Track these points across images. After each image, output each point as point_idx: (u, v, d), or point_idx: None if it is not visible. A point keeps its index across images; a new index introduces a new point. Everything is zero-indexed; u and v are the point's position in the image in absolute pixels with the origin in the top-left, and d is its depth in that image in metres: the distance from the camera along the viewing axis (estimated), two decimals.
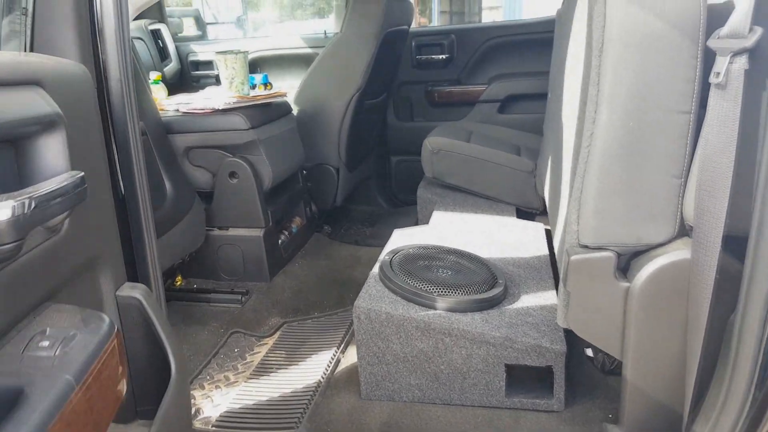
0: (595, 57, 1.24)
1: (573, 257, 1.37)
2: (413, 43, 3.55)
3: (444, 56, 3.51)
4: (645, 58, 1.19)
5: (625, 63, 1.20)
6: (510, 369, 1.75)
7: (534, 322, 1.78)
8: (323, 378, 2.02)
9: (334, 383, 1.98)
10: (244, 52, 2.57)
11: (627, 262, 1.39)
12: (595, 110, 1.27)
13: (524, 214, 2.78)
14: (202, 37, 4.25)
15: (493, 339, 1.71)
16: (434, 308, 1.80)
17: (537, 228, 2.49)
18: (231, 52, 2.56)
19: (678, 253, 1.28)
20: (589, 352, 1.91)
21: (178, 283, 2.72)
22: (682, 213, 1.31)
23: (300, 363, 2.13)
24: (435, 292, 1.82)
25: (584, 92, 1.35)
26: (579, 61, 1.44)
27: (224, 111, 2.47)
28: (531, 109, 3.38)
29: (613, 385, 1.81)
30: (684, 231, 1.34)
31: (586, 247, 1.38)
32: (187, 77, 3.98)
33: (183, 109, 2.54)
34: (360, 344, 1.82)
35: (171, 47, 3.90)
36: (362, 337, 1.81)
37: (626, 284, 1.35)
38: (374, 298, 1.84)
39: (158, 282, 1.41)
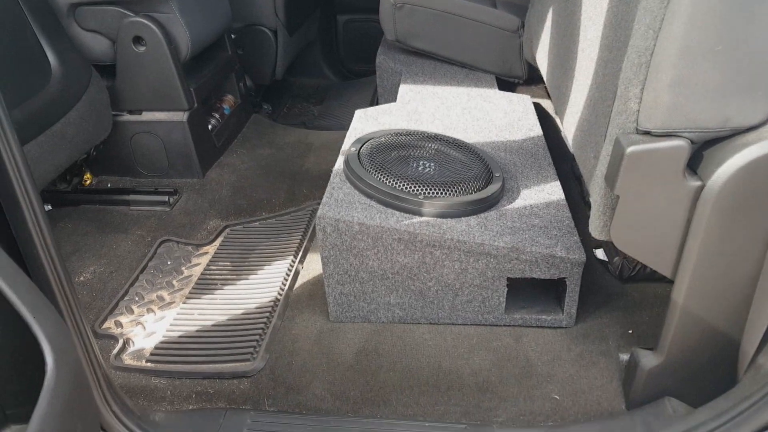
0: None
1: (630, 148, 0.98)
2: None
3: None
4: None
5: None
6: (512, 282, 1.43)
7: (542, 225, 1.44)
8: (280, 295, 1.67)
9: (294, 301, 1.64)
10: None
11: (697, 153, 1.02)
12: None
13: (505, 84, 2.34)
14: None
15: (496, 250, 1.37)
16: (420, 214, 1.41)
17: (524, 101, 2.08)
18: None
19: None
20: (601, 254, 1.62)
21: (87, 182, 2.21)
22: None
23: (250, 276, 1.76)
24: (420, 193, 1.42)
25: None
26: None
27: None
28: None
29: (632, 294, 1.53)
30: None
31: (647, 133, 1.00)
32: None
33: None
34: (327, 261, 1.45)
35: None
36: (329, 252, 1.43)
37: (697, 183, 1.00)
38: (342, 203, 1.43)
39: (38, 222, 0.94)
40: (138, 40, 2.00)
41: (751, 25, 0.88)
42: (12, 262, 0.70)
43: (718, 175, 0.96)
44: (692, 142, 0.98)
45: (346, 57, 3.27)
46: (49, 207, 2.09)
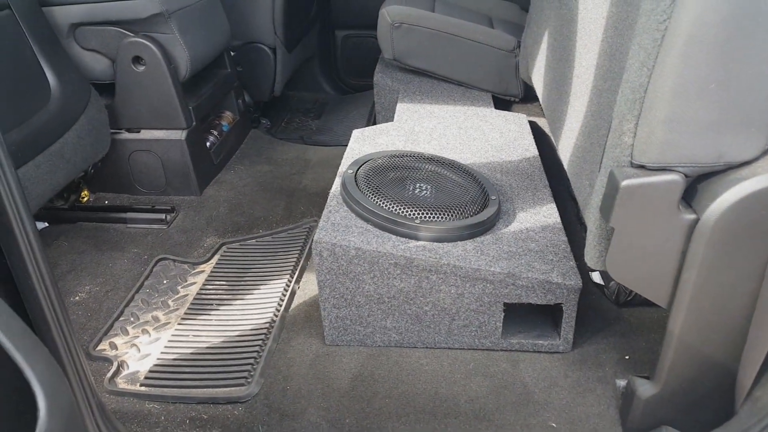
0: None
1: (625, 182, 0.99)
2: None
3: None
4: None
5: None
6: (508, 306, 1.43)
7: (538, 249, 1.44)
8: (276, 316, 1.66)
9: (290, 323, 1.63)
10: None
11: (692, 187, 1.02)
12: None
13: (500, 102, 2.35)
14: None
15: (492, 276, 1.37)
16: (416, 238, 1.41)
17: (520, 120, 2.09)
18: None
19: None
20: (597, 277, 1.62)
21: (85, 199, 2.21)
22: None
23: (246, 296, 1.76)
24: (416, 217, 1.42)
25: None
26: None
27: None
28: None
29: (629, 319, 1.53)
30: None
31: (642, 167, 1.00)
32: None
33: None
34: (323, 284, 1.44)
35: None
36: (326, 276, 1.43)
37: (692, 217, 1.00)
38: (339, 227, 1.43)
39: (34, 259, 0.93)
40: (137, 59, 2.01)
41: (743, 64, 0.88)
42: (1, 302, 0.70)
43: (712, 209, 0.96)
44: (686, 176, 0.99)
45: (344, 72, 3.28)
46: (46, 224, 2.09)
